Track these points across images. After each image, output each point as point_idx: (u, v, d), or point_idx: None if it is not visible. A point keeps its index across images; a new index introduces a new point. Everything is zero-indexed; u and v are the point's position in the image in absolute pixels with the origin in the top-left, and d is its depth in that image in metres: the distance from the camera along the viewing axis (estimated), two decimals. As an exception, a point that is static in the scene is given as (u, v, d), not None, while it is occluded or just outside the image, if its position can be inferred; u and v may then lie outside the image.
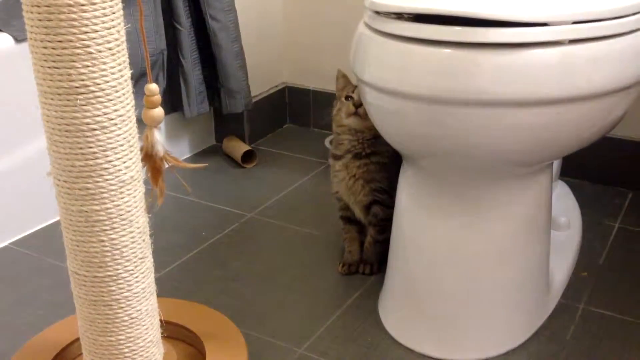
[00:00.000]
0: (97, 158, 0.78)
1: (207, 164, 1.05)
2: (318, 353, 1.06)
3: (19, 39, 1.29)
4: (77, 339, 0.99)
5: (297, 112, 1.93)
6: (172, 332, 1.03)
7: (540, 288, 1.09)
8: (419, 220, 1.05)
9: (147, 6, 1.46)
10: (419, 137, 0.92)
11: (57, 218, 1.40)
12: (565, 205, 1.40)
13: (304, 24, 1.85)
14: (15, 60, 1.29)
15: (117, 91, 0.76)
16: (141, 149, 0.85)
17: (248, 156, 1.70)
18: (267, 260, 1.32)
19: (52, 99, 0.75)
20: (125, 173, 0.81)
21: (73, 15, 0.70)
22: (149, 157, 0.87)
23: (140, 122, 0.82)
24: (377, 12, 0.93)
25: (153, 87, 0.84)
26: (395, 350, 1.06)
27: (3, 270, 1.28)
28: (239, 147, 1.70)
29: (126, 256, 0.85)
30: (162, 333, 0.96)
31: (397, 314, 1.10)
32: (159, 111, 0.85)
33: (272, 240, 1.40)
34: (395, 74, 0.89)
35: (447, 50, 0.85)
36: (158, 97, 0.84)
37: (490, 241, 1.00)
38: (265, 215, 1.48)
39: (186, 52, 1.57)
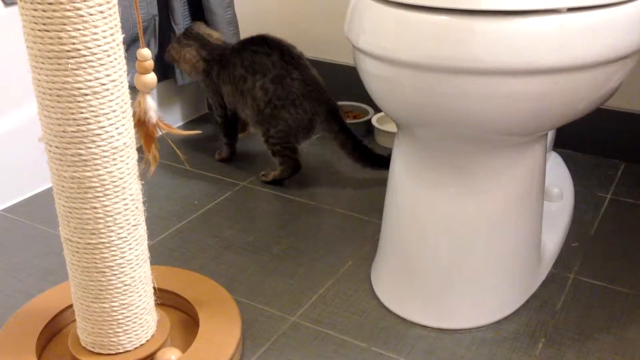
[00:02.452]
0: (89, 124, 0.77)
1: (200, 131, 1.05)
2: (311, 320, 1.07)
3: (7, 3, 1.27)
4: (70, 306, 1.00)
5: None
6: (165, 299, 1.03)
7: (532, 258, 1.10)
8: (413, 189, 1.04)
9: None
10: (414, 105, 0.91)
11: (49, 185, 1.41)
12: (558, 176, 1.40)
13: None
14: (4, 24, 1.27)
15: (108, 55, 0.75)
16: (133, 115, 0.85)
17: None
18: (260, 229, 1.32)
19: (42, 62, 0.74)
20: (117, 139, 0.80)
21: (63, -23, 0.69)
22: (142, 124, 0.86)
23: (132, 89, 0.81)
24: (373, -21, 0.92)
25: (145, 52, 0.83)
26: (387, 318, 1.07)
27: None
28: None
29: (119, 223, 0.84)
30: (155, 300, 0.96)
31: (389, 282, 1.11)
32: (152, 77, 0.84)
33: (265, 209, 1.39)
34: (390, 41, 0.88)
35: (442, 17, 0.84)
36: (150, 63, 0.83)
37: (483, 210, 1.01)
38: (257, 184, 1.48)
39: (178, 18, 1.55)
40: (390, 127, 1.64)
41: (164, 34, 1.57)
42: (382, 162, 1.40)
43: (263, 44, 1.40)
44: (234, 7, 1.62)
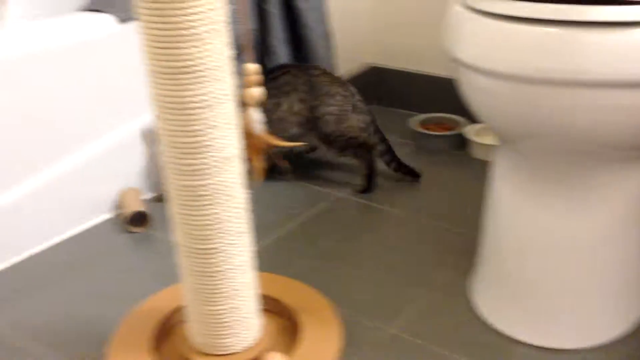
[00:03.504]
0: (201, 135, 0.81)
1: (305, 143, 1.08)
2: (409, 332, 1.07)
3: (122, 20, 1.35)
4: (180, 307, 1.05)
5: (382, 92, 1.93)
6: (268, 305, 1.06)
7: (639, 279, 1.05)
8: (514, 204, 1.03)
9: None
10: (516, 118, 0.90)
11: (155, 194, 1.49)
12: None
13: (391, 3, 1.84)
14: (117, 40, 1.35)
15: (220, 71, 0.80)
16: (241, 127, 0.89)
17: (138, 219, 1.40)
18: (357, 239, 1.34)
19: (159, 78, 0.79)
20: (227, 150, 0.84)
21: (181, -2, 0.74)
22: (249, 135, 0.90)
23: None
24: (473, -11, 0.92)
25: (252, 67, 0.87)
26: (487, 334, 1.05)
27: (106, 242, 1.36)
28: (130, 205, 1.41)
29: (227, 230, 0.89)
30: (260, 306, 1.00)
31: (490, 297, 1.09)
32: (258, 90, 0.88)
33: (361, 220, 1.41)
34: (491, 53, 0.88)
35: (547, 29, 0.83)
36: (257, 77, 0.87)
37: (590, 228, 0.97)
38: (354, 195, 1.50)
39: (275, 33, 1.60)
40: (487, 139, 1.62)
41: (260, 48, 1.62)
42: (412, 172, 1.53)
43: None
44: (329, 21, 1.65)
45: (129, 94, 1.40)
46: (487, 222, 1.09)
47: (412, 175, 1.53)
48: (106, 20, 1.35)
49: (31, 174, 1.30)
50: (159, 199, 1.44)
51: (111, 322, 1.08)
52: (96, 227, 1.41)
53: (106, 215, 1.44)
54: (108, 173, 1.42)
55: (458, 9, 0.95)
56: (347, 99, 1.47)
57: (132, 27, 1.34)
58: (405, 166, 1.53)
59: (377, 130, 1.51)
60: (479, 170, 1.56)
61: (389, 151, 1.52)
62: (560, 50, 0.82)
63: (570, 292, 1.01)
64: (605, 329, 1.03)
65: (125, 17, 1.34)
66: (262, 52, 1.63)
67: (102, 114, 1.39)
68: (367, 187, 1.49)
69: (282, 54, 1.62)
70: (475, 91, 0.95)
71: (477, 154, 1.63)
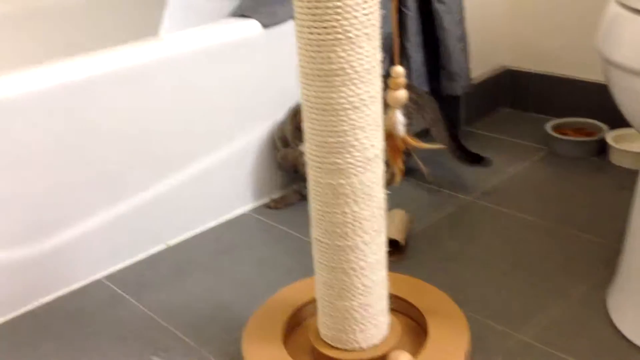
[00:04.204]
0: (347, 135, 0.84)
1: (445, 146, 1.08)
2: (540, 341, 1.05)
3: (266, 25, 1.40)
4: (311, 300, 1.08)
5: (516, 95, 1.88)
6: (396, 304, 1.08)
7: None
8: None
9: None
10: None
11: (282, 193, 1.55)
12: None
13: (528, 4, 1.79)
14: (261, 45, 1.41)
15: (369, 73, 0.81)
16: (384, 129, 0.90)
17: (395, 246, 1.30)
18: (485, 244, 1.32)
19: (312, 79, 0.82)
20: (370, 150, 0.86)
21: (338, 3, 0.76)
22: (390, 137, 0.91)
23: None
24: (633, -9, 0.88)
25: (399, 70, 0.88)
26: (626, 350, 1.01)
27: (242, 235, 1.43)
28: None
29: (365, 228, 0.90)
30: (389, 305, 1.01)
31: (631, 311, 1.05)
32: (403, 93, 0.89)
33: (490, 225, 1.39)
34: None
35: None
36: (403, 79, 0.88)
37: None
38: (483, 199, 1.48)
39: (410, 35, 1.60)
40: (628, 146, 1.54)
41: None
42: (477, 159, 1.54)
43: None
44: (465, 23, 1.64)
45: (271, 93, 1.46)
46: (633, 231, 1.04)
47: (477, 161, 1.54)
48: (251, 25, 1.41)
49: (185, 166, 1.38)
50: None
51: (248, 310, 1.13)
52: (238, 219, 1.48)
53: (247, 207, 1.51)
54: (250, 168, 1.49)
55: (616, 8, 0.92)
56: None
57: (274, 33, 1.40)
58: (471, 153, 1.54)
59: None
60: (618, 178, 1.49)
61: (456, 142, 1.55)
62: None
63: None
64: None
65: (269, 22, 1.40)
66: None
67: (247, 111, 1.45)
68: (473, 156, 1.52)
69: (417, 57, 1.62)
70: (630, 95, 0.91)
71: (617, 160, 1.56)
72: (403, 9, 1.59)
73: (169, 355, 1.09)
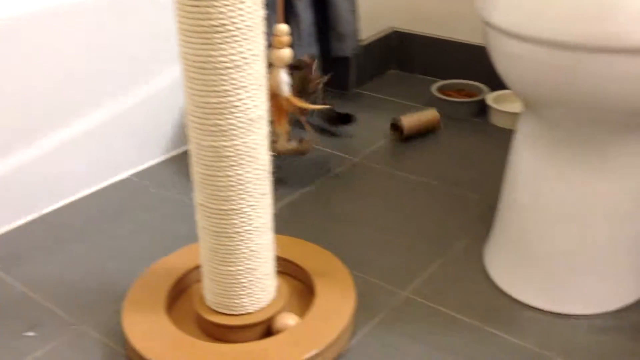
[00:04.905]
0: (229, 95, 0.80)
1: (330, 106, 1.08)
2: (423, 296, 1.08)
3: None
4: (196, 267, 1.06)
5: (404, 57, 1.91)
6: (283, 267, 1.07)
7: (657, 249, 1.06)
8: (537, 172, 1.02)
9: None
10: (551, 85, 0.89)
11: (175, 152, 1.49)
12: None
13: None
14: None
15: (251, 30, 0.78)
16: (268, 89, 0.88)
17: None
18: (372, 204, 1.34)
19: (190, 36, 0.77)
20: (254, 111, 0.83)
21: (216, -46, 0.72)
22: (275, 97, 0.89)
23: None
24: (510, -46, 0.90)
25: (283, 28, 0.85)
26: (500, 299, 1.06)
27: (125, 201, 1.36)
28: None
29: (250, 192, 0.88)
30: (275, 267, 1.00)
31: (504, 263, 1.10)
32: (287, 52, 0.86)
33: (376, 185, 1.41)
34: (529, 17, 0.86)
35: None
36: (287, 38, 0.86)
37: (613, 197, 0.98)
38: (370, 160, 1.49)
39: (300, -6, 1.57)
40: (507, 107, 1.60)
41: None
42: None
43: None
44: (353, -17, 1.62)
45: (155, 52, 1.39)
46: (507, 188, 1.09)
47: (346, 120, 1.56)
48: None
49: (58, 129, 1.30)
50: None
51: (129, 279, 1.08)
52: (118, 184, 1.42)
53: (130, 171, 1.44)
54: (133, 130, 1.42)
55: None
56: None
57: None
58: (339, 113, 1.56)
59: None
60: (498, 138, 1.55)
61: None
62: (600, 15, 0.81)
63: (587, 260, 1.01)
64: (618, 297, 1.04)
65: None
66: (286, 15, 1.60)
67: (128, 71, 1.38)
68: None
69: (306, 17, 1.59)
70: (507, 57, 0.93)
71: (496, 121, 1.62)
72: (291, -33, 1.55)
73: (44, 331, 1.03)
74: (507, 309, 1.04)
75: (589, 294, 1.03)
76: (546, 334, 0.99)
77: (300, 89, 1.35)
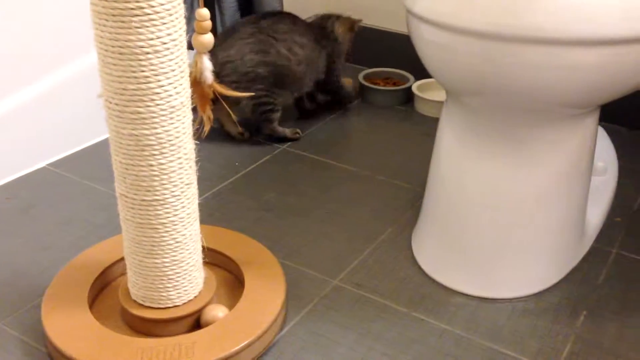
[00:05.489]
0: (149, 82, 0.78)
1: (253, 93, 1.07)
2: (352, 284, 1.08)
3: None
4: (119, 260, 1.02)
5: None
6: (211, 258, 1.05)
7: (576, 231, 1.10)
8: (460, 159, 1.04)
9: None
10: (470, 74, 0.91)
11: (94, 140, 1.43)
12: (602, 150, 1.38)
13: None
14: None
15: (170, 14, 0.76)
16: (190, 75, 0.85)
17: None
18: (300, 192, 1.33)
19: (106, 20, 0.74)
20: (175, 98, 0.81)
21: None
22: (198, 84, 0.86)
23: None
24: (432, -58, 0.90)
25: (204, 12, 0.83)
26: (428, 285, 1.08)
27: (41, 192, 1.30)
28: None
29: (173, 181, 0.86)
30: (203, 259, 0.98)
31: (431, 250, 1.12)
32: (209, 37, 0.84)
33: (305, 173, 1.40)
34: (450, 7, 0.87)
35: (502, -15, 0.83)
36: (209, 23, 0.83)
37: (532, 183, 1.00)
38: (298, 148, 1.48)
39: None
40: (431, 95, 1.63)
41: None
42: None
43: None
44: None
45: (70, 35, 1.33)
46: (432, 175, 1.11)
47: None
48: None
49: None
50: None
51: (49, 274, 1.04)
52: (34, 174, 1.35)
53: (44, 163, 1.38)
54: (49, 117, 1.35)
55: (415, -38, 0.94)
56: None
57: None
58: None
59: None
60: (424, 126, 1.57)
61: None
62: (517, 6, 0.83)
63: (508, 244, 1.04)
64: (539, 281, 1.07)
65: None
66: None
67: (42, 55, 1.32)
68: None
69: (228, 2, 1.57)
70: (428, 45, 0.94)
71: (422, 109, 1.64)
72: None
73: (-44, 331, 0.97)
74: (434, 295, 1.06)
75: (512, 278, 1.06)
76: (472, 318, 1.01)
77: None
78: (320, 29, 1.50)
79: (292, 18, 1.43)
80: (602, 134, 1.46)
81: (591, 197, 1.15)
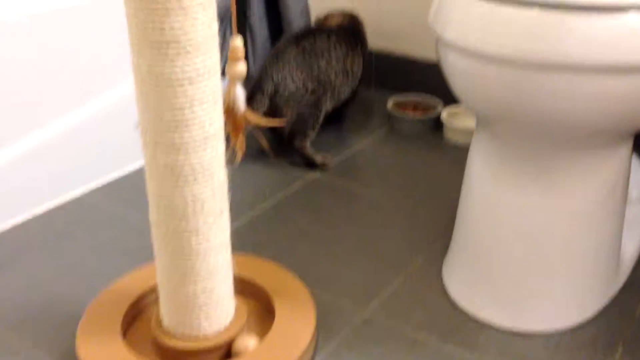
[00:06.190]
0: (184, 111, 0.78)
1: (283, 119, 1.10)
2: (383, 315, 1.07)
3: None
4: (152, 288, 1.03)
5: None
6: (242, 286, 1.05)
7: (611, 262, 1.07)
8: (491, 187, 1.03)
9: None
10: (499, 100, 0.90)
11: (127, 169, 1.45)
12: (636, 180, 1.36)
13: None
14: (93, 11, 1.31)
15: (205, 44, 0.77)
16: (223, 104, 0.86)
17: None
18: (331, 221, 1.33)
19: (144, 50, 0.75)
20: (209, 127, 0.81)
21: (169, -32, 0.70)
22: (230, 112, 0.87)
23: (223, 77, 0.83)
24: (463, -28, 0.91)
25: (238, 42, 0.84)
26: (458, 317, 1.06)
27: (77, 220, 1.32)
28: None
29: (206, 210, 0.86)
30: (234, 287, 0.98)
31: (462, 280, 1.10)
32: (242, 66, 0.85)
33: (335, 202, 1.40)
34: (479, 34, 0.87)
35: (534, 12, 0.83)
36: (242, 52, 0.84)
37: (564, 212, 0.99)
38: (328, 176, 1.48)
39: (253, 7, 1.56)
40: (461, 123, 1.62)
41: (238, 23, 1.59)
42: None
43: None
44: (308, -2, 1.63)
45: (108, 65, 1.36)
46: (463, 204, 1.10)
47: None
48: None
49: (6, 147, 1.25)
50: None
51: (85, 302, 1.04)
52: (74, 202, 1.37)
53: (80, 191, 1.40)
54: (85, 146, 1.38)
55: (447, -10, 0.94)
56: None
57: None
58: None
59: None
60: (454, 154, 1.57)
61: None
62: (546, 33, 0.82)
63: (542, 276, 1.02)
64: (574, 314, 1.04)
65: None
66: (241, 28, 1.60)
67: (78, 85, 1.35)
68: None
69: (261, 31, 1.59)
70: (458, 72, 0.94)
71: (451, 136, 1.63)
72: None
73: (-9, 358, 0.98)
74: (465, 327, 1.04)
75: (545, 311, 1.03)
76: (505, 352, 0.99)
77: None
78: (353, 32, 1.61)
79: (327, 33, 1.54)
80: (636, 163, 1.44)
81: (627, 227, 1.12)
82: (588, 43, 0.81)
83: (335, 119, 1.69)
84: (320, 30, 1.54)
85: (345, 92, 1.57)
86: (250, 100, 1.45)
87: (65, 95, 1.33)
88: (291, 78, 1.46)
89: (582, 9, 0.81)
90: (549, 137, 0.93)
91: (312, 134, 1.50)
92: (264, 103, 1.45)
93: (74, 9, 1.30)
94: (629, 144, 1.01)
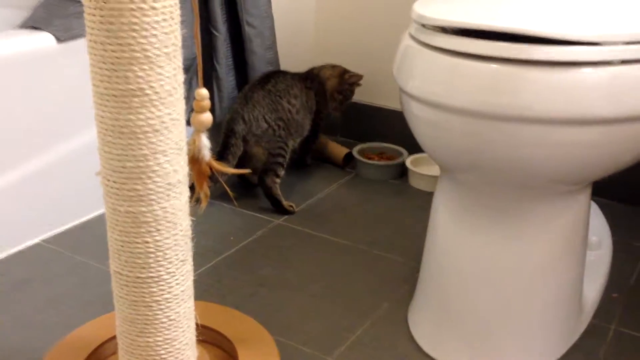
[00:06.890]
0: (147, 160, 0.78)
1: (250, 170, 1.11)
2: (348, 362, 1.06)
3: (60, 39, 1.30)
4: (111, 338, 1.00)
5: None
6: (205, 335, 1.03)
7: (573, 307, 1.09)
8: (455, 234, 1.05)
9: (184, 11, 1.47)
10: (462, 151, 0.92)
11: (88, 216, 1.43)
12: (595, 225, 1.39)
13: (335, 30, 1.86)
14: (56, 59, 1.31)
15: (171, 95, 0.77)
16: (187, 153, 0.86)
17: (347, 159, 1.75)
18: (296, 267, 1.32)
19: (107, 100, 0.75)
20: (173, 176, 0.81)
21: (135, 20, 0.71)
22: (195, 161, 0.87)
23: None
24: (424, 25, 0.94)
25: (203, 92, 0.85)
26: (425, 363, 1.06)
27: (35, 268, 1.29)
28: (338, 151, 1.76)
29: (169, 258, 0.85)
30: (196, 336, 0.96)
31: (428, 326, 1.10)
32: (208, 116, 0.86)
33: (300, 248, 1.40)
34: (441, 87, 0.89)
35: (494, 66, 0.85)
36: (207, 102, 0.85)
37: (527, 258, 1.00)
38: (293, 222, 1.48)
39: (221, 58, 1.58)
40: (425, 170, 1.64)
41: (205, 73, 1.60)
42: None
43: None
44: (276, 47, 1.65)
45: (68, 113, 1.35)
46: (428, 251, 1.11)
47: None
48: (44, 38, 1.31)
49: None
50: None
51: (40, 353, 1.01)
52: (29, 250, 1.34)
53: (38, 238, 1.37)
54: (44, 193, 1.36)
55: (409, 42, 0.97)
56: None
57: (72, 47, 1.31)
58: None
59: None
60: (419, 200, 1.58)
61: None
62: (507, 87, 0.85)
63: (505, 321, 1.03)
64: (543, 355, 1.05)
65: (65, 36, 1.30)
66: (208, 79, 1.61)
67: (39, 132, 1.33)
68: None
69: (228, 80, 1.60)
70: (421, 122, 0.96)
71: (416, 183, 1.65)
72: (213, 31, 1.56)
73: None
74: (432, 372, 1.04)
75: (510, 357, 1.04)
76: (471, 396, 0.99)
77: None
78: (308, 73, 1.68)
79: (289, 75, 1.61)
80: (595, 209, 1.47)
81: (587, 272, 1.14)
82: (545, 96, 0.84)
83: (301, 162, 1.70)
84: (278, 72, 1.61)
85: (306, 127, 1.63)
86: (225, 145, 1.48)
87: (26, 141, 1.31)
88: (263, 118, 1.51)
89: (539, 63, 0.84)
90: (510, 184, 0.95)
91: (282, 172, 1.53)
92: (239, 146, 1.48)
93: (35, 55, 1.30)
94: (588, 191, 1.04)
